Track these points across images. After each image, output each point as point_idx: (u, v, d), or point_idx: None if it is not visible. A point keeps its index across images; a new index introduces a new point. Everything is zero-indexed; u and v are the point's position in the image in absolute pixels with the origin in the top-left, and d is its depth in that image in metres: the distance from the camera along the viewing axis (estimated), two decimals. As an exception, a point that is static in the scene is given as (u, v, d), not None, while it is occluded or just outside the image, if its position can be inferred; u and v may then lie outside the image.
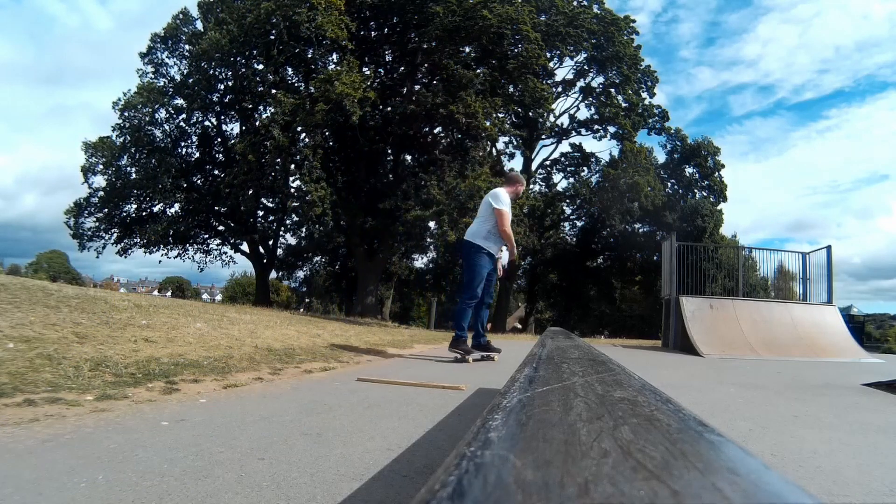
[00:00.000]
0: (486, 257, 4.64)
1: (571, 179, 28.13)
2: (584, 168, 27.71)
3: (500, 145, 23.84)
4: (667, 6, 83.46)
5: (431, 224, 14.58)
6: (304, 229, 23.29)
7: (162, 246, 19.63)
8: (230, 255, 22.46)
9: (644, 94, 25.00)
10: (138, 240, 19.18)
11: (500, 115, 16.25)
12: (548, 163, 27.73)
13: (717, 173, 27.02)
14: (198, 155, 20.11)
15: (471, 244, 4.68)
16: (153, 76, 20.22)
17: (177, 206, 19.20)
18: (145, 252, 19.62)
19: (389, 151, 16.92)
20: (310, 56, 15.25)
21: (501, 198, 4.65)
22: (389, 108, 15.34)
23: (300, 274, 29.02)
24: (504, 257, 5.10)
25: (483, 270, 4.64)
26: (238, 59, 16.28)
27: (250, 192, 15.32)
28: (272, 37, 14.60)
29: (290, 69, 16.60)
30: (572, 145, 27.41)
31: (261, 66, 15.97)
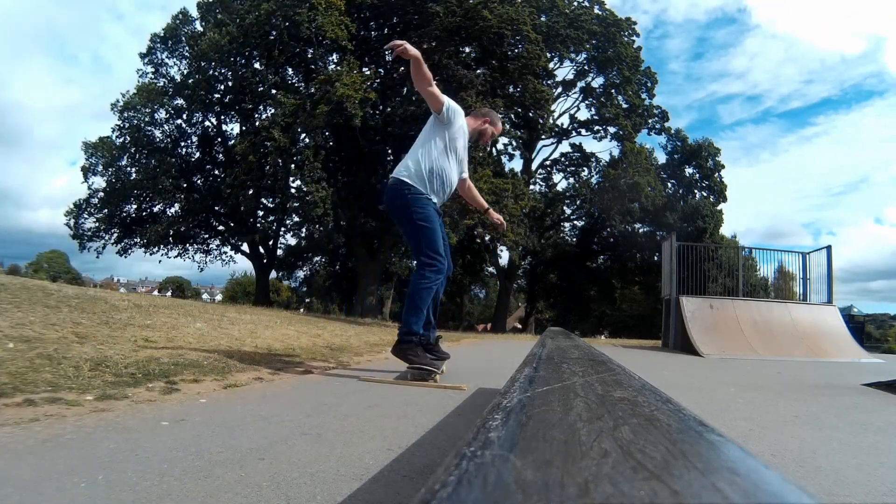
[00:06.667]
0: (428, 203, 3.01)
1: (571, 180, 28.16)
2: (585, 168, 27.73)
3: (499, 146, 23.84)
4: (657, 24, 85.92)
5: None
6: (304, 229, 23.29)
7: (162, 246, 19.64)
8: (230, 255, 22.49)
9: (644, 95, 25.02)
10: (138, 240, 19.19)
11: (500, 116, 16.23)
12: (548, 163, 27.76)
13: (717, 174, 27.05)
14: (198, 155, 20.13)
15: (398, 184, 3.01)
16: (153, 76, 20.23)
17: (177, 206, 19.21)
18: (145, 252, 19.66)
19: (390, 151, 16.93)
20: (310, 56, 15.26)
21: (453, 105, 3.13)
22: (390, 109, 15.35)
23: (300, 274, 29.07)
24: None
25: (436, 222, 3.03)
26: (238, 59, 16.30)
27: (250, 192, 15.34)
28: (272, 37, 14.61)
29: (290, 69, 16.61)
30: (572, 145, 27.46)
31: (261, 66, 15.99)
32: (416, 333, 2.98)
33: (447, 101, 3.07)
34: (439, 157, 3.04)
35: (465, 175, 3.41)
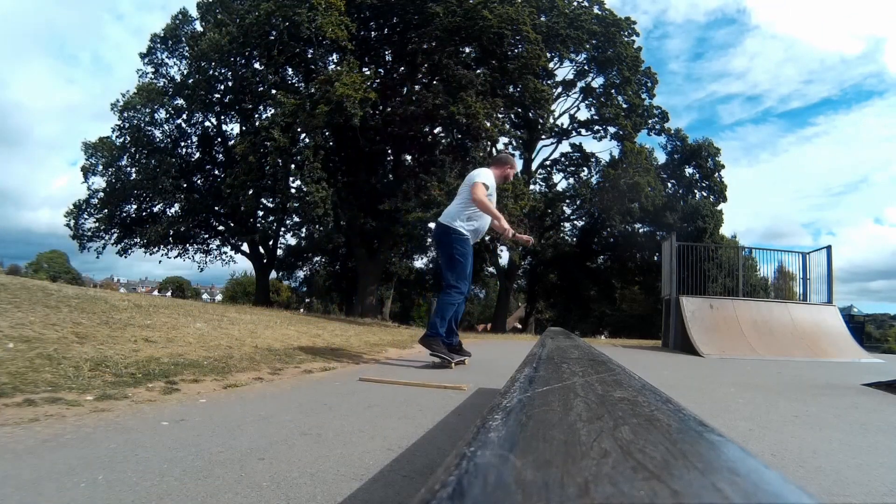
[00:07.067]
0: (467, 242, 4.02)
1: (571, 180, 28.10)
2: (585, 168, 27.68)
3: (499, 145, 23.81)
4: (657, 24, 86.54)
5: (432, 225, 14.59)
6: (304, 230, 23.29)
7: (162, 246, 19.64)
8: (230, 255, 22.48)
9: (644, 95, 25.01)
10: (138, 240, 19.19)
11: (500, 116, 16.23)
12: (548, 163, 27.71)
13: (717, 174, 27.03)
14: (198, 155, 20.12)
15: (446, 227, 4.02)
16: (153, 76, 20.22)
17: (177, 206, 19.21)
18: (145, 252, 19.65)
19: (390, 152, 16.92)
20: (310, 56, 15.25)
21: (483, 173, 4.09)
22: (389, 109, 15.34)
23: (300, 274, 29.05)
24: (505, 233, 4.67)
25: (469, 257, 4.04)
26: (237, 59, 16.29)
27: (250, 192, 15.33)
28: (272, 37, 14.60)
29: (290, 69, 16.60)
30: (572, 145, 27.40)
31: (261, 66, 15.99)
32: (439, 334, 3.91)
33: (486, 187, 3.95)
34: (476, 211, 4.00)
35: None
